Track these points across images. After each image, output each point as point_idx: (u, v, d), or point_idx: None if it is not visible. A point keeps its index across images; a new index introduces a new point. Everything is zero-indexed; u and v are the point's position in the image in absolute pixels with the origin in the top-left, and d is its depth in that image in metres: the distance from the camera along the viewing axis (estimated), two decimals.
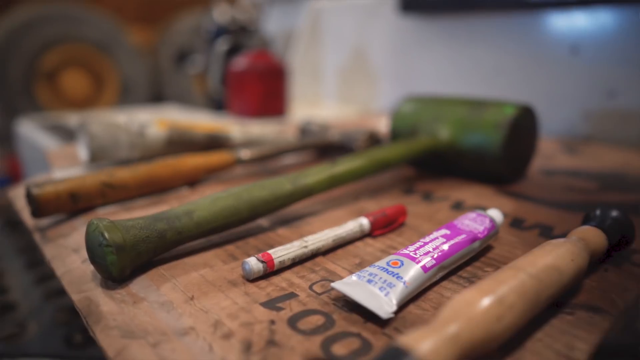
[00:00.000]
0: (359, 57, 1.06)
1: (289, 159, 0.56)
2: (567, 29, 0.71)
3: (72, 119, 0.96)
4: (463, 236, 0.28)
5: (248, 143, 0.57)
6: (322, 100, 1.17)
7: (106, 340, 0.22)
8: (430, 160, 0.50)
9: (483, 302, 0.19)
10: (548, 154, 0.60)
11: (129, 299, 0.25)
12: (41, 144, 0.73)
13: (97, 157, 0.50)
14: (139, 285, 0.26)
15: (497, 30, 0.79)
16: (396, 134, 0.52)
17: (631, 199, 0.42)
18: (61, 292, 0.69)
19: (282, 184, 0.34)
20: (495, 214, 0.32)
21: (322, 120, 0.85)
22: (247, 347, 0.21)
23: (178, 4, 2.57)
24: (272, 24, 1.30)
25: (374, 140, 0.53)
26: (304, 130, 0.62)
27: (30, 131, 0.85)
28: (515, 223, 0.36)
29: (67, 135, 0.79)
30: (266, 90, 0.90)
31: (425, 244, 0.27)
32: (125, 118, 0.52)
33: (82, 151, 0.52)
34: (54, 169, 0.53)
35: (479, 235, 0.29)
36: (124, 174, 0.40)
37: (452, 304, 0.19)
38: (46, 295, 0.75)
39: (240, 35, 1.00)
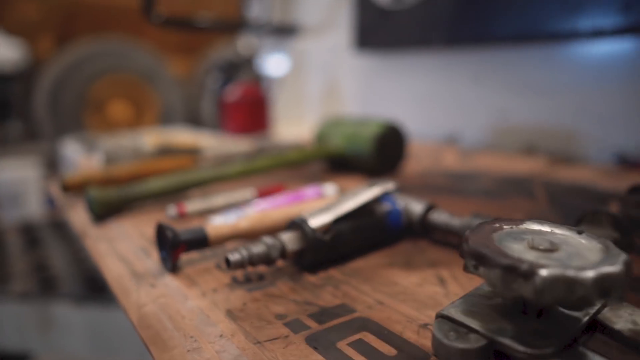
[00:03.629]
0: (333, 86, 1.28)
1: None
2: (470, 62, 0.90)
3: (95, 138, 1.22)
4: (293, 197, 0.49)
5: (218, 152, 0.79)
6: (304, 119, 1.39)
7: (87, 242, 0.44)
8: (335, 161, 0.70)
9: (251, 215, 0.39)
10: (443, 159, 0.79)
11: (104, 227, 0.47)
12: (72, 157, 0.98)
13: (107, 163, 0.73)
14: (111, 223, 0.48)
15: (424, 64, 0.99)
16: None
17: (457, 186, 0.61)
18: (85, 259, 0.93)
19: (208, 170, 0.55)
20: (329, 187, 0.52)
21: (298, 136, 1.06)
22: (151, 239, 0.42)
23: (215, 36, 2.78)
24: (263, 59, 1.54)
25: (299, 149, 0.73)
26: (260, 144, 0.83)
27: (68, 149, 1.11)
28: None
29: (92, 149, 1.04)
30: (252, 115, 1.13)
31: (270, 200, 0.48)
32: (130, 138, 0.75)
33: (98, 159, 0.75)
34: (78, 169, 0.77)
35: (305, 198, 0.49)
36: (119, 170, 0.62)
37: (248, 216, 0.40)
38: (77, 261, 1.00)
39: (234, 70, 1.24)
